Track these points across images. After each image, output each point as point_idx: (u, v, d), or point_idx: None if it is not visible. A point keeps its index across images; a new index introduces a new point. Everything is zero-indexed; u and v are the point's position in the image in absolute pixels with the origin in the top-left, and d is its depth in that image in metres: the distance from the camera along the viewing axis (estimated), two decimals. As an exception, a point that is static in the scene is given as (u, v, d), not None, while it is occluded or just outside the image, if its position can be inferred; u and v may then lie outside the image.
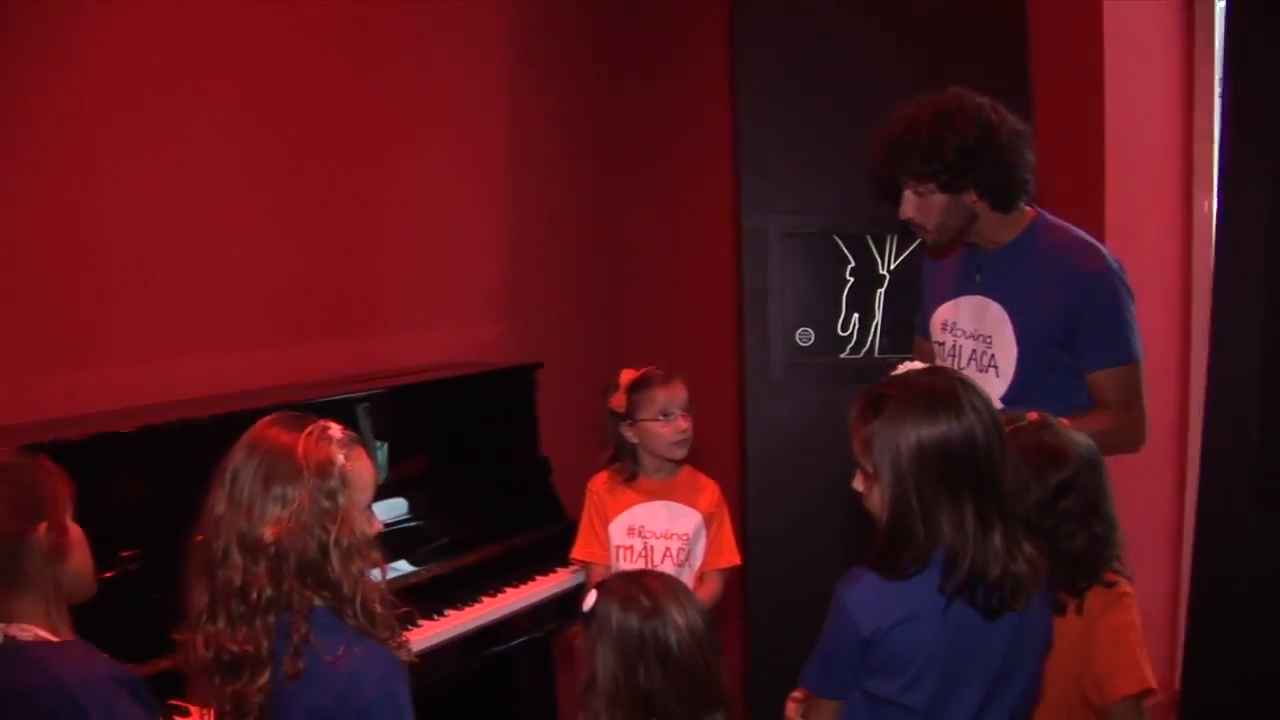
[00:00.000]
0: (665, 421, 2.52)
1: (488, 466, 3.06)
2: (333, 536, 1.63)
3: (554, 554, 2.89)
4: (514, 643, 2.76)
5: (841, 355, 3.00)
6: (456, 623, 2.58)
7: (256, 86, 2.93)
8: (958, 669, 1.64)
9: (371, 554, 1.70)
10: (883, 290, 2.99)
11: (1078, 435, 1.92)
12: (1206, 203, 3.59)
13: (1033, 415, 1.96)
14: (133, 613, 2.08)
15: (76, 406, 2.54)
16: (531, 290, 3.76)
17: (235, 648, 1.61)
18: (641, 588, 1.74)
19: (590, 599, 1.77)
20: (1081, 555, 1.85)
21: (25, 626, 1.61)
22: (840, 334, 2.99)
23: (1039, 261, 2.32)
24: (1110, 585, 1.88)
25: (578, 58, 3.91)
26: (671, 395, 2.52)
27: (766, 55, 3.00)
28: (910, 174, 2.28)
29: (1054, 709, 1.85)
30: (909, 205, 2.33)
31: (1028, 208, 2.37)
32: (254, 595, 1.61)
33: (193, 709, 2.08)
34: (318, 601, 1.65)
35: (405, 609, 1.77)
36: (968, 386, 1.65)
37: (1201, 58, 3.55)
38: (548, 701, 3.16)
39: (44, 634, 1.62)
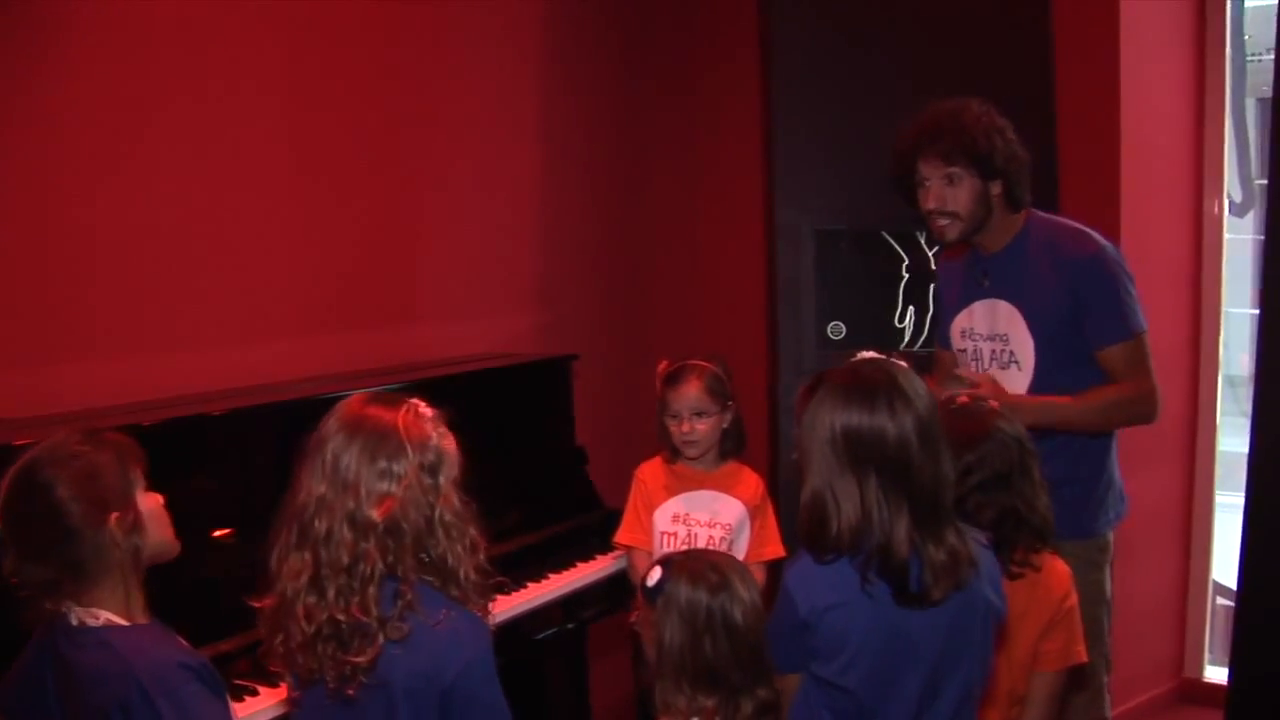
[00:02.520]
0: (674, 422, 2.58)
1: (525, 456, 3.10)
2: (437, 512, 1.68)
3: (592, 541, 2.94)
4: (555, 628, 2.81)
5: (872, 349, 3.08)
6: (505, 607, 2.61)
7: (298, 87, 2.97)
8: (894, 655, 1.70)
9: (469, 529, 1.73)
10: (909, 286, 3.07)
11: (1003, 421, 2.00)
12: (1216, 203, 3.71)
13: (962, 398, 2.09)
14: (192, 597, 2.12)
15: (121, 395, 2.56)
16: (565, 283, 3.80)
17: (344, 617, 1.62)
18: (708, 564, 1.81)
19: (655, 575, 1.82)
20: (992, 528, 1.92)
21: (97, 612, 1.64)
22: (871, 328, 3.07)
23: (1037, 254, 2.43)
24: (1033, 565, 1.98)
25: (608, 56, 3.95)
26: (677, 397, 2.57)
27: (797, 54, 3.07)
28: (959, 155, 2.36)
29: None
30: (935, 195, 2.41)
31: (1022, 211, 2.48)
32: (365, 570, 1.63)
33: (261, 688, 2.12)
34: (421, 575, 1.68)
35: (500, 579, 1.84)
36: (899, 382, 1.69)
37: (1213, 66, 3.66)
38: (580, 686, 3.22)
39: (116, 618, 1.65)
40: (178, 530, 1.83)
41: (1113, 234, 3.30)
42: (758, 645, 1.78)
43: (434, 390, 2.85)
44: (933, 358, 2.77)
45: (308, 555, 1.66)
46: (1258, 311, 2.57)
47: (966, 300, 2.56)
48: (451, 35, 3.39)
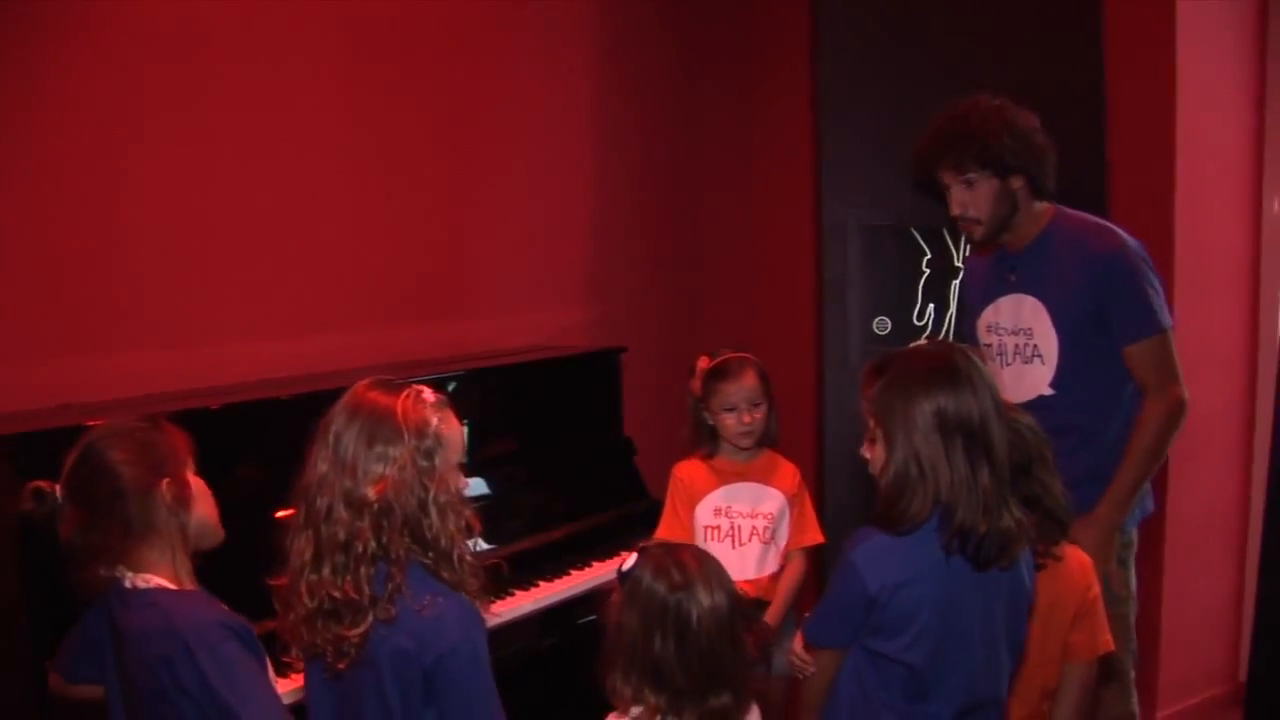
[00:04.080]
0: (730, 415, 2.61)
1: (573, 447, 3.17)
2: (431, 494, 1.73)
3: (637, 531, 2.98)
4: (598, 614, 2.86)
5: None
6: (547, 593, 2.68)
7: (354, 79, 3.05)
8: (956, 628, 1.74)
9: (465, 510, 1.79)
10: (957, 281, 3.06)
11: (1015, 411, 2.01)
12: (1277, 202, 3.64)
13: None
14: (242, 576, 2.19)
15: (180, 383, 2.67)
16: (616, 278, 3.86)
17: (339, 594, 1.70)
18: (675, 561, 1.77)
19: (630, 560, 1.82)
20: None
21: (149, 576, 1.74)
22: (916, 323, 3.07)
23: (1062, 250, 2.44)
24: (1054, 555, 1.99)
25: (662, 57, 4.01)
26: (737, 390, 2.60)
27: (847, 53, 3.08)
28: (971, 161, 2.41)
29: None
30: (958, 201, 2.46)
31: (1048, 205, 2.49)
32: (359, 548, 1.70)
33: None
34: (414, 556, 1.74)
35: (495, 561, 1.88)
36: (968, 359, 1.77)
37: (1275, 58, 3.59)
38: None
39: (165, 583, 1.75)
40: (234, 511, 1.93)
41: (1166, 231, 3.28)
42: (710, 653, 1.73)
43: (486, 381, 2.96)
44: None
45: (310, 533, 1.74)
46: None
47: (992, 296, 2.58)
48: (508, 32, 3.46)
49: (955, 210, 2.48)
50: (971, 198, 2.44)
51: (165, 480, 1.76)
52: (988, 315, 2.60)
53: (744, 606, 1.89)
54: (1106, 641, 2.03)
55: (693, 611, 1.72)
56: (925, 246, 3.07)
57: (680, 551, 1.81)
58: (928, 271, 3.07)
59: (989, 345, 2.60)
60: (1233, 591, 3.79)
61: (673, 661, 1.71)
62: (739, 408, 2.61)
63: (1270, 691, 2.49)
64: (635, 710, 1.75)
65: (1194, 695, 3.70)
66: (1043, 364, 2.46)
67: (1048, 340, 2.45)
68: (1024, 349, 2.50)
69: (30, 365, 2.46)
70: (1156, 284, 2.38)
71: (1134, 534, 2.51)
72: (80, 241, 2.55)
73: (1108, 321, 2.37)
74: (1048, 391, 2.45)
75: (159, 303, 2.69)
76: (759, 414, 2.62)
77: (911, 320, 3.08)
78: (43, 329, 2.49)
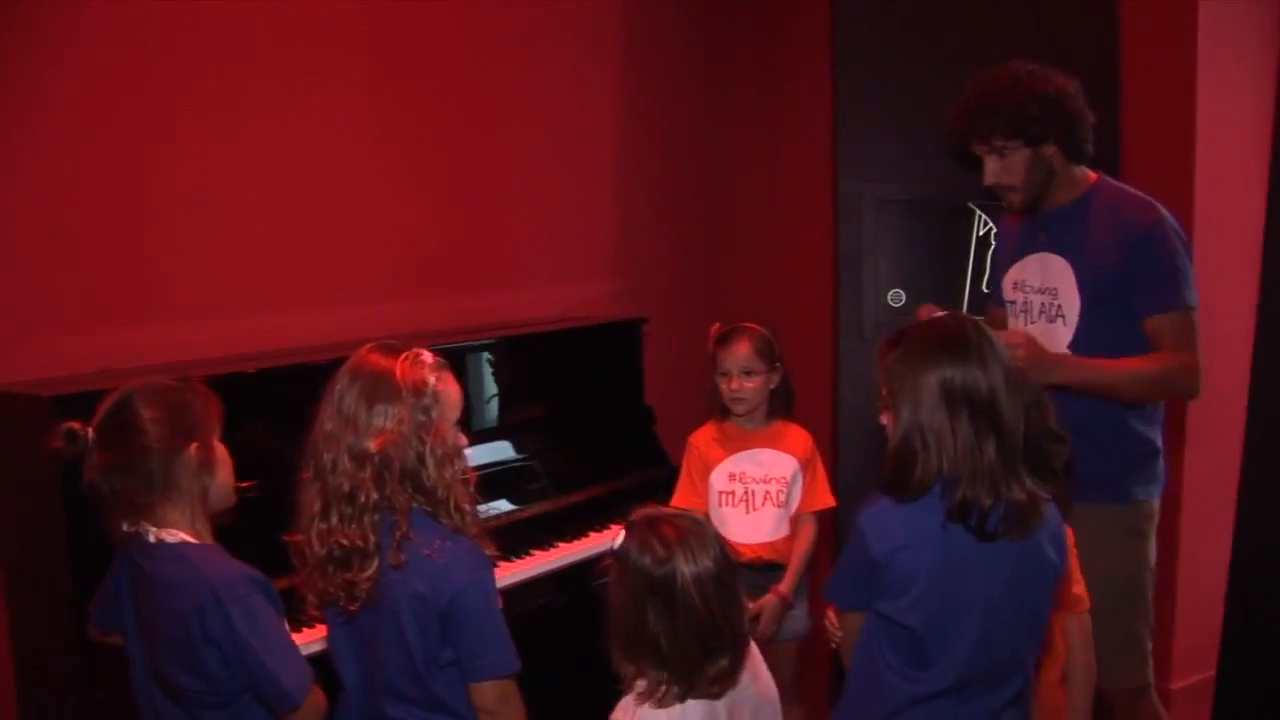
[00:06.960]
0: (724, 380, 2.72)
1: (596, 414, 3.25)
2: (428, 447, 1.86)
3: (656, 496, 2.98)
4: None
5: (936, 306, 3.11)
6: (567, 552, 2.78)
7: (389, 52, 3.14)
8: (957, 595, 1.76)
9: (460, 462, 1.91)
10: (971, 255, 3.11)
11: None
12: (1297, 176, 3.61)
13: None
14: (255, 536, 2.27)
15: (212, 350, 2.78)
16: (640, 252, 3.94)
17: (346, 542, 1.84)
18: (658, 534, 1.77)
19: (620, 537, 1.83)
20: None
21: (173, 531, 1.84)
22: (930, 296, 3.10)
23: (1097, 215, 2.44)
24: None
25: (684, 31, 4.06)
26: (728, 356, 2.71)
27: (865, 30, 3.14)
28: (998, 133, 2.42)
29: None
30: (992, 171, 2.48)
31: (1090, 172, 2.50)
32: (362, 498, 1.84)
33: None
34: (415, 504, 1.87)
35: (500, 522, 1.95)
36: (979, 330, 1.79)
37: (1296, 31, 3.57)
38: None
39: (189, 538, 1.85)
40: (259, 473, 2.02)
41: (1186, 205, 3.27)
42: (703, 623, 1.74)
43: (513, 349, 3.05)
44: (985, 319, 2.80)
45: (318, 485, 1.88)
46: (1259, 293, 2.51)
47: (1021, 253, 2.60)
48: (535, 10, 3.52)
49: (989, 180, 2.49)
50: (1005, 167, 2.46)
51: (195, 444, 1.86)
52: (1014, 272, 2.62)
53: (736, 566, 1.86)
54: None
55: (676, 581, 1.73)
56: (940, 220, 3.11)
57: (661, 524, 1.80)
58: (942, 244, 3.12)
59: (1014, 302, 2.63)
60: (1224, 576, 3.79)
61: (668, 634, 1.73)
62: (730, 373, 2.70)
63: (1240, 680, 2.49)
64: (641, 684, 1.77)
65: (1212, 667, 3.72)
66: (1064, 325, 2.47)
67: (1070, 301, 2.46)
68: (1049, 308, 2.51)
69: (66, 335, 2.57)
70: (1188, 262, 2.38)
71: (1155, 506, 2.51)
72: (115, 216, 2.65)
73: (1132, 291, 2.37)
74: (1067, 353, 2.45)
75: (191, 275, 2.79)
76: (750, 383, 2.70)
77: (926, 293, 3.12)
78: (78, 300, 2.60)
